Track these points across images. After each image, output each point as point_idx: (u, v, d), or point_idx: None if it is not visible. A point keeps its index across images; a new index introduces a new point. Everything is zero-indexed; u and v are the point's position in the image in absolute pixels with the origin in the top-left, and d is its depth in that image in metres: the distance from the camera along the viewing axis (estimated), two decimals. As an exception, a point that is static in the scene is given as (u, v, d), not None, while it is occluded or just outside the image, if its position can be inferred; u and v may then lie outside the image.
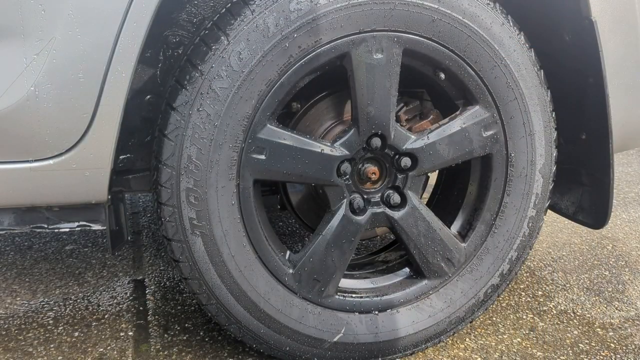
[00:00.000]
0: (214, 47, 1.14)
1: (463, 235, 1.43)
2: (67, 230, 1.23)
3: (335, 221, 1.30)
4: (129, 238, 1.53)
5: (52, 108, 1.06)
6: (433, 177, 1.70)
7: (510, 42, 1.29)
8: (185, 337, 1.51)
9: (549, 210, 1.50)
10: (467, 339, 1.52)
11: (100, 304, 1.68)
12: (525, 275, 1.88)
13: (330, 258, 1.31)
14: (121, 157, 1.32)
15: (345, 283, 1.39)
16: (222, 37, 1.14)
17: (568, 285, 1.83)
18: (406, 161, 1.32)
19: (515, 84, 1.32)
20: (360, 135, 1.26)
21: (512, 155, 1.37)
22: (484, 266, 1.43)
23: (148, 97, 1.30)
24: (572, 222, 1.69)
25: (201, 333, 1.53)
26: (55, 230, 1.23)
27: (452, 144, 1.33)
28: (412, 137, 1.31)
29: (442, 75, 1.32)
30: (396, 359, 1.42)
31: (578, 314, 1.66)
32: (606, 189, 1.43)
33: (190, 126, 1.16)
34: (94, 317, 1.61)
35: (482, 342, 1.51)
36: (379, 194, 1.34)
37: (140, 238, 2.14)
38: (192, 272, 1.24)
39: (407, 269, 1.43)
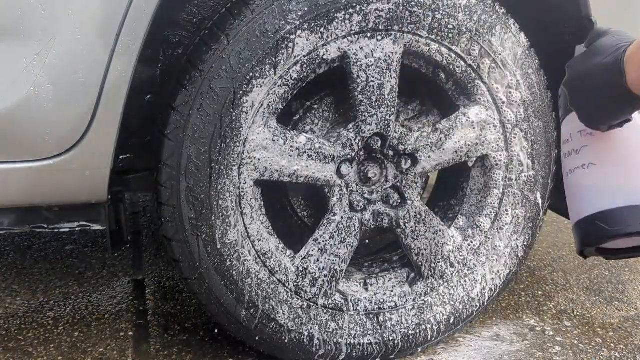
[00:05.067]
0: (214, 47, 1.14)
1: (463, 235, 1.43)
2: (67, 230, 1.23)
3: (335, 221, 1.30)
4: (129, 238, 1.53)
5: (52, 108, 1.06)
6: (433, 177, 1.70)
7: (511, 42, 1.30)
8: (185, 337, 1.51)
9: (549, 210, 1.50)
10: (467, 339, 1.52)
11: (100, 304, 1.68)
12: (525, 275, 1.88)
13: (330, 258, 1.31)
14: (121, 157, 1.32)
15: (345, 283, 1.39)
16: (222, 37, 1.14)
17: (568, 285, 1.83)
18: (406, 161, 1.32)
19: (516, 85, 1.33)
20: (360, 136, 1.26)
21: (512, 155, 1.37)
22: (485, 266, 1.43)
23: (148, 97, 1.30)
24: (572, 222, 1.69)
25: (201, 333, 1.53)
26: (55, 230, 1.23)
27: (452, 144, 1.33)
28: (412, 137, 1.31)
29: (442, 75, 1.32)
30: (395, 359, 1.42)
31: (578, 314, 1.66)
32: (606, 189, 1.43)
33: (190, 126, 1.16)
34: (94, 317, 1.61)
35: (482, 342, 1.51)
36: (379, 194, 1.34)
37: (140, 238, 2.14)
38: (192, 272, 1.24)
39: (407, 269, 1.43)
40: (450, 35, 1.25)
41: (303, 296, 1.31)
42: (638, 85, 0.87)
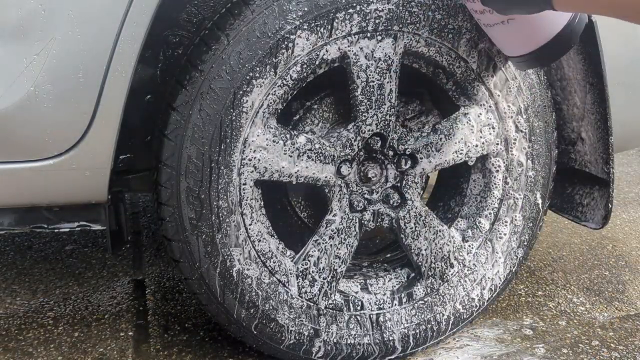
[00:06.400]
0: (214, 47, 1.14)
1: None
2: (67, 230, 1.23)
3: (335, 221, 1.30)
4: (129, 238, 1.53)
5: (52, 108, 1.06)
6: (433, 177, 1.70)
7: (510, 42, 1.30)
8: (185, 337, 1.51)
9: (548, 210, 1.50)
10: (467, 339, 1.52)
11: (100, 304, 1.68)
12: (525, 275, 1.88)
13: (330, 258, 1.31)
14: (121, 157, 1.32)
15: (345, 283, 1.39)
16: (222, 37, 1.14)
17: (568, 285, 1.83)
18: (406, 161, 1.32)
19: (516, 85, 1.33)
20: (360, 136, 1.27)
21: (512, 155, 1.37)
22: (485, 266, 1.43)
23: (148, 97, 1.30)
24: (572, 222, 1.69)
25: (201, 333, 1.53)
26: (55, 230, 1.23)
27: (452, 144, 1.33)
28: (412, 137, 1.31)
29: (442, 76, 1.32)
30: (395, 359, 1.42)
31: (578, 314, 1.66)
32: (606, 189, 1.43)
33: (190, 126, 1.16)
34: (94, 317, 1.61)
35: (482, 342, 1.51)
36: (379, 194, 1.34)
37: (140, 238, 2.14)
38: (192, 272, 1.24)
39: (407, 269, 1.44)
40: (450, 35, 1.25)
41: (303, 296, 1.31)
42: (562, 8, 0.95)
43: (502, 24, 1.11)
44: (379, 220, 1.34)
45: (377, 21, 1.20)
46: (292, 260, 1.31)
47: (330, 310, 1.34)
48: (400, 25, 1.21)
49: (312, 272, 1.31)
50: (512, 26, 1.10)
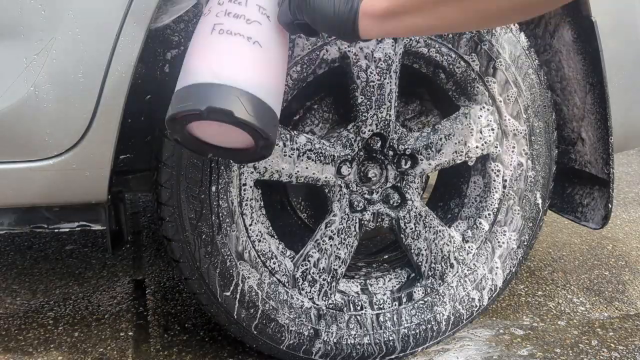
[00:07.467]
0: (214, 47, 1.14)
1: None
2: (67, 230, 1.23)
3: (335, 221, 1.30)
4: (128, 238, 1.53)
5: (52, 108, 1.06)
6: (433, 177, 1.70)
7: (511, 42, 1.30)
8: (185, 337, 1.51)
9: (548, 210, 1.50)
10: (467, 339, 1.52)
11: (100, 304, 1.68)
12: (525, 275, 1.88)
13: (330, 258, 1.31)
14: (121, 157, 1.32)
15: (345, 283, 1.39)
16: (222, 37, 1.14)
17: (568, 285, 1.83)
18: (406, 161, 1.32)
19: (516, 85, 1.33)
20: (360, 136, 1.26)
21: (512, 155, 1.37)
22: (485, 266, 1.43)
23: (148, 97, 1.30)
24: (572, 222, 1.69)
25: (201, 333, 1.53)
26: (55, 230, 1.23)
27: (452, 144, 1.33)
28: (412, 137, 1.31)
29: (442, 76, 1.32)
30: (395, 359, 1.42)
31: (578, 314, 1.66)
32: (606, 189, 1.43)
33: (190, 126, 1.15)
34: (94, 317, 1.61)
35: (481, 342, 1.51)
36: (379, 194, 1.34)
37: (140, 238, 2.14)
38: (192, 272, 1.24)
39: (407, 269, 1.44)
40: (450, 35, 1.25)
41: (303, 296, 1.31)
42: (365, 36, 0.91)
43: (248, 41, 0.95)
44: (379, 220, 1.34)
45: (377, 21, 1.19)
46: (292, 261, 1.30)
47: (331, 311, 1.34)
48: (400, 25, 1.21)
49: (312, 272, 1.31)
50: (253, 51, 0.95)
